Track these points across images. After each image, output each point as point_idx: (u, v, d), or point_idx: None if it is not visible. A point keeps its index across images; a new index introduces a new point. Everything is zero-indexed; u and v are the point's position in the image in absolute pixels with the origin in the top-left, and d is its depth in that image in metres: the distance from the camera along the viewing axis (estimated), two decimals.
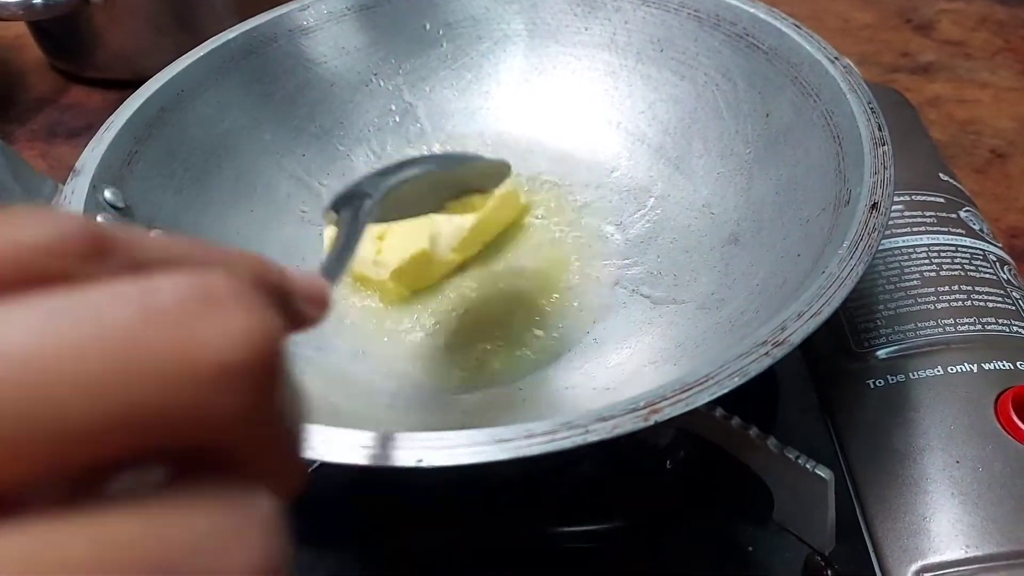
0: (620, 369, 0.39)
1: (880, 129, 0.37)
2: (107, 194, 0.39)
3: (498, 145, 0.53)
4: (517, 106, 0.54)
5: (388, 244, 0.44)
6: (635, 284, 0.44)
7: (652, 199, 0.48)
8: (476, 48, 0.54)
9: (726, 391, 0.27)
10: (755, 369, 0.28)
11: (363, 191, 0.31)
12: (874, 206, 0.33)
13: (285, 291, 0.17)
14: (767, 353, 0.28)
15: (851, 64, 0.41)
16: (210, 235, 0.43)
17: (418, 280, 0.45)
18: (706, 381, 0.27)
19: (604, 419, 0.26)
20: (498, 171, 0.40)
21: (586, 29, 0.53)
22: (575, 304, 0.43)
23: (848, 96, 0.39)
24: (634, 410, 0.27)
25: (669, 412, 0.27)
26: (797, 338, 0.28)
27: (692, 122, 0.49)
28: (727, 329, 0.36)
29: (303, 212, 0.49)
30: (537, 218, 0.49)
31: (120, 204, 0.39)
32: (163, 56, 0.47)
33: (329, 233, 0.41)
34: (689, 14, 0.49)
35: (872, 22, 0.77)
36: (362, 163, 0.52)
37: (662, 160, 0.49)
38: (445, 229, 0.45)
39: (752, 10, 0.46)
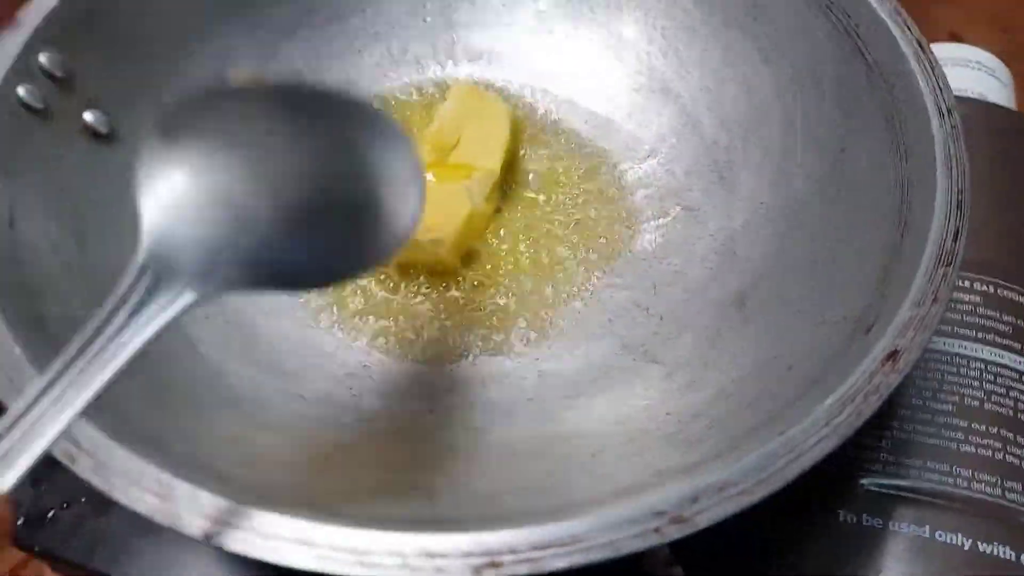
0: (553, 404, 0.34)
1: (956, 237, 0.28)
2: (42, 58, 0.34)
3: (534, 88, 0.44)
4: (567, 43, 0.45)
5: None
6: (616, 314, 0.37)
7: (678, 208, 0.40)
8: None
9: (585, 564, 0.22)
10: (631, 547, 0.22)
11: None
12: (892, 356, 0.25)
13: None
14: (657, 530, 0.22)
15: (959, 126, 0.31)
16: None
17: (466, 242, 0.39)
18: (570, 544, 0.22)
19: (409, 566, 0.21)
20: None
21: None
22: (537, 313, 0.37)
23: (938, 171, 0.30)
24: (467, 555, 0.22)
25: (510, 570, 0.22)
26: (704, 521, 0.22)
27: (757, 123, 0.39)
28: (670, 434, 0.29)
29: None
30: (536, 196, 0.41)
31: (58, 72, 0.34)
32: None
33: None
34: None
35: None
36: (373, 63, 0.45)
37: (708, 160, 0.40)
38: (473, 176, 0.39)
39: (874, 4, 0.35)
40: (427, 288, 0.38)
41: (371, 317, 0.37)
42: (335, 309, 0.37)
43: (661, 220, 0.39)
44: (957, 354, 0.36)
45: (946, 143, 0.30)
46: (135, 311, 0.19)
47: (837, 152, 0.35)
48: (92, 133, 0.35)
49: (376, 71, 0.44)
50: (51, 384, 0.18)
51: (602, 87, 0.44)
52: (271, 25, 0.42)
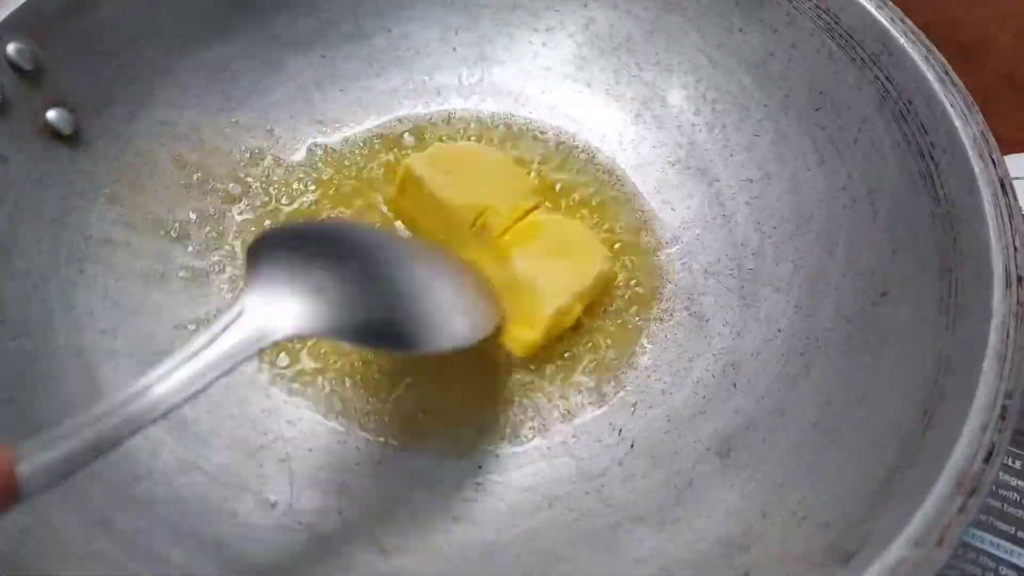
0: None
1: (988, 458, 0.22)
2: (10, 48, 0.31)
3: (558, 135, 0.39)
4: (604, 97, 0.40)
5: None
6: (583, 429, 0.32)
7: (684, 313, 0.34)
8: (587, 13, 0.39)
9: None
10: None
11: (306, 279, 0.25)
12: None
13: None
14: None
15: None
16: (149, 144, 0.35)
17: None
18: None
19: None
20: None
21: (740, 30, 0.36)
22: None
23: (986, 362, 0.23)
24: None
25: None
26: None
27: (796, 231, 0.33)
28: None
29: (290, 130, 0.39)
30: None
31: (26, 65, 0.32)
32: None
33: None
34: (876, 76, 0.32)
35: None
36: (389, 88, 0.40)
37: (732, 262, 0.35)
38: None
39: (956, 122, 0.28)
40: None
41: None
42: None
43: (659, 324, 0.34)
44: (986, 552, 0.30)
45: (1004, 324, 0.24)
46: (240, 339, 0.23)
47: (877, 293, 0.29)
48: (52, 133, 0.33)
49: (391, 97, 0.40)
50: (156, 381, 0.21)
51: (634, 152, 0.39)
52: (283, 36, 0.39)
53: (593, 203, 0.37)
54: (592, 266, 0.33)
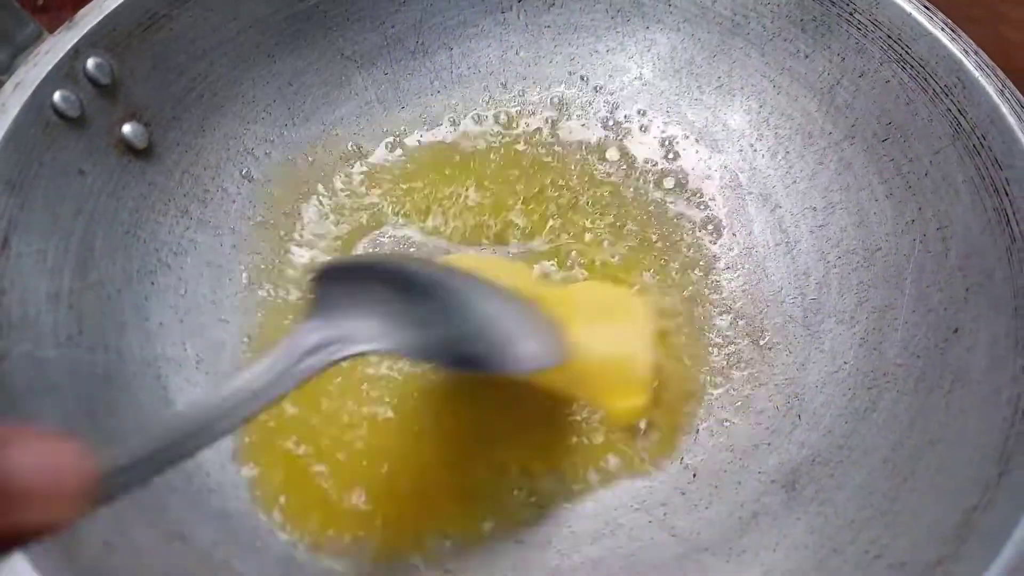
0: None
1: None
2: (90, 63, 0.32)
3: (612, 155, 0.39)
4: (662, 117, 0.40)
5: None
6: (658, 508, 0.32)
7: (746, 340, 0.34)
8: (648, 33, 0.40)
9: None
10: None
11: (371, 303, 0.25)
12: None
13: None
14: None
15: None
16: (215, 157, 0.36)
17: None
18: None
19: None
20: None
21: (806, 56, 0.36)
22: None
23: None
24: None
25: None
26: None
27: (862, 263, 0.33)
28: None
29: (354, 146, 0.39)
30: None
31: (104, 79, 0.32)
32: None
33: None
34: (949, 109, 0.32)
35: None
36: (450, 106, 0.41)
37: (794, 291, 0.34)
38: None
39: None
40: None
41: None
42: None
43: (722, 350, 0.34)
44: None
45: None
46: (310, 352, 0.23)
47: (948, 330, 0.29)
48: (127, 147, 0.33)
49: (449, 116, 0.41)
50: (233, 391, 0.22)
51: (691, 175, 0.39)
52: (349, 52, 0.39)
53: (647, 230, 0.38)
54: (640, 314, 0.32)
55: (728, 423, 0.32)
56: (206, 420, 0.21)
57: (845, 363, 0.31)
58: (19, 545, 0.17)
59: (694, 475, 0.31)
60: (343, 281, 0.25)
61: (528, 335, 0.28)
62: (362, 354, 0.24)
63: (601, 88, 0.41)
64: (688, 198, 0.38)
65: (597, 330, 0.30)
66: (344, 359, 0.24)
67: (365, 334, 0.24)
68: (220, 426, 0.21)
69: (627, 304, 0.33)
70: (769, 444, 0.31)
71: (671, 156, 0.39)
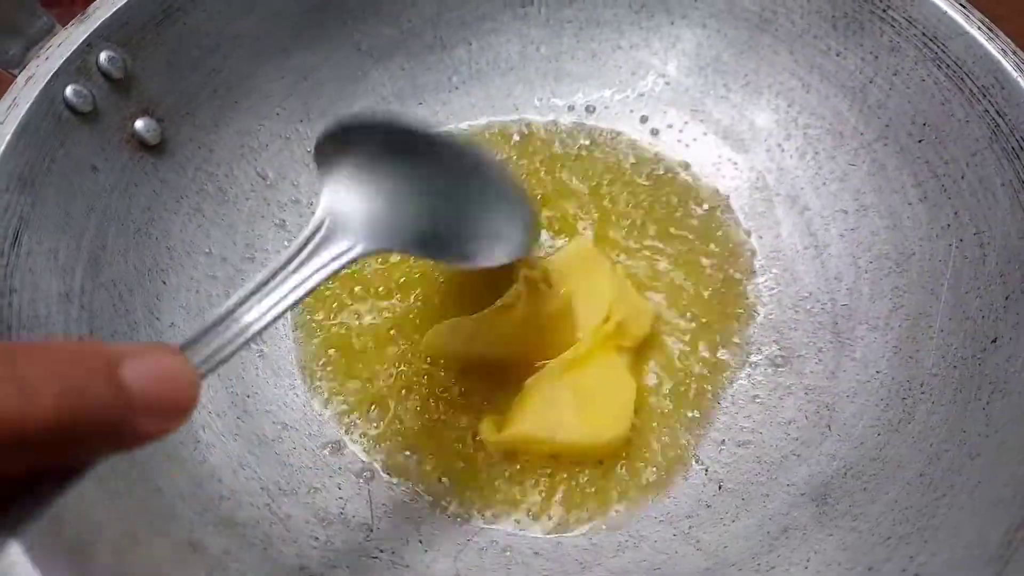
0: None
1: None
2: (102, 57, 0.31)
3: (636, 153, 0.38)
4: (686, 116, 0.39)
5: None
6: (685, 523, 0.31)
7: (774, 347, 0.33)
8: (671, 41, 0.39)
9: None
10: None
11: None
12: None
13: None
14: None
15: None
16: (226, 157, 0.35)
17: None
18: None
19: None
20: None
21: (837, 54, 0.35)
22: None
23: None
24: None
25: None
26: None
27: (896, 268, 0.32)
28: None
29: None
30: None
31: (116, 74, 0.32)
32: None
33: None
34: (986, 110, 0.30)
35: None
36: (468, 102, 0.40)
37: (825, 296, 0.33)
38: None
39: None
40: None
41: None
42: None
43: (747, 357, 0.33)
44: None
45: None
46: (314, 252, 0.23)
47: (987, 339, 0.28)
48: (139, 142, 0.32)
49: (468, 111, 0.40)
50: (243, 301, 0.21)
51: (715, 175, 0.38)
52: (366, 46, 0.38)
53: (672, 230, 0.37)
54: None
55: (755, 432, 0.31)
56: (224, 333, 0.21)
57: (878, 372, 0.30)
58: (138, 447, 0.17)
59: (719, 487, 0.30)
60: (349, 157, 0.25)
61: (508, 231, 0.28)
62: (370, 255, 0.25)
63: (624, 85, 0.40)
64: (712, 198, 0.37)
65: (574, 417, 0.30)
66: (352, 262, 0.24)
67: (372, 233, 0.24)
68: (237, 340, 0.21)
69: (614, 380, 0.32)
70: (798, 455, 0.30)
71: (696, 155, 0.38)
